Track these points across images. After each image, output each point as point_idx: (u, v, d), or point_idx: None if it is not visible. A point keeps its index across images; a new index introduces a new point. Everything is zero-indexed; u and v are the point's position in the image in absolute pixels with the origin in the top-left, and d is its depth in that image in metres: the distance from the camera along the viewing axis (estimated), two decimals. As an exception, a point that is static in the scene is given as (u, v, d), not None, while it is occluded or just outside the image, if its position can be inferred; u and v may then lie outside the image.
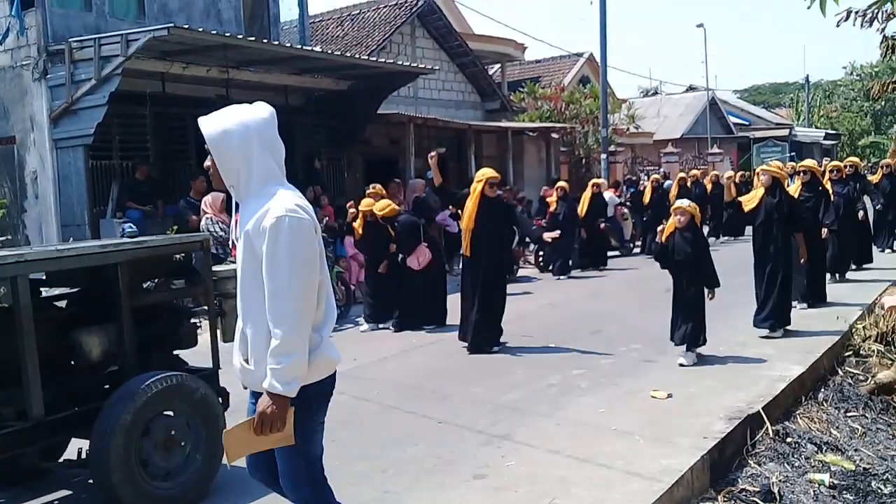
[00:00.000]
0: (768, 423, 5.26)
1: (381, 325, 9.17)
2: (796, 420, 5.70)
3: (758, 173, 8.16)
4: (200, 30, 10.54)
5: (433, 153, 7.94)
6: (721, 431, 4.91)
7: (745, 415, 5.21)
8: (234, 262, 8.56)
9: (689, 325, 6.65)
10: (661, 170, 23.33)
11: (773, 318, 7.56)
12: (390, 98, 15.07)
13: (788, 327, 7.69)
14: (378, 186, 10.07)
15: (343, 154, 14.89)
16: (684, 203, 6.82)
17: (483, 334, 7.66)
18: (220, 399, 4.49)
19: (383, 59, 14.79)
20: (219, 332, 4.67)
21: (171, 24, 9.85)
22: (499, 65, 23.87)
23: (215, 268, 4.80)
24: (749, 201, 7.79)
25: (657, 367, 6.68)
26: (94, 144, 10.26)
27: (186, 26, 10.38)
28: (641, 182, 18.22)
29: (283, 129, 11.47)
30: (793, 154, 31.51)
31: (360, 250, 9.83)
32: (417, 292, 9.06)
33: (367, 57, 14.51)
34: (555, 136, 20.79)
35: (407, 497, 4.22)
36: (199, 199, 10.06)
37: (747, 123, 38.92)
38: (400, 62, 14.96)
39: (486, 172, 7.68)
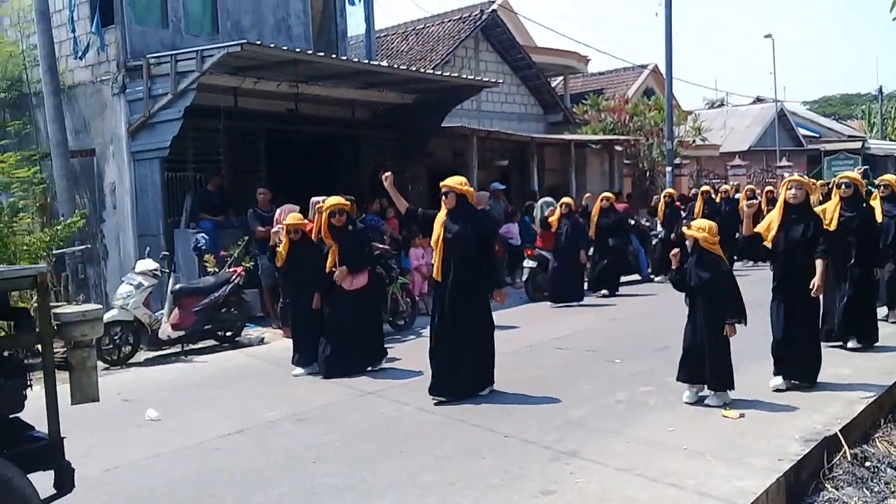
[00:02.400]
0: (846, 446, 5.10)
1: (308, 371, 7.67)
2: (875, 443, 5.51)
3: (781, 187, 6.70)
4: (272, 45, 10.81)
5: (387, 174, 6.92)
6: (797, 454, 4.78)
7: (822, 437, 5.06)
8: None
9: (712, 364, 5.82)
10: (731, 182, 22.83)
11: (790, 367, 6.33)
12: (454, 111, 15.19)
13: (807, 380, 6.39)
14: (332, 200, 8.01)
15: (407, 167, 15.04)
16: (699, 224, 6.05)
17: (476, 373, 6.53)
18: (61, 478, 3.62)
19: (447, 73, 14.91)
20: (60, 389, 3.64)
21: (245, 41, 10.12)
22: (561, 77, 23.86)
23: (61, 310, 3.81)
24: (768, 229, 6.43)
25: (727, 385, 6.53)
26: (170, 157, 10.58)
27: (259, 42, 10.66)
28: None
29: (350, 141, 11.73)
30: (866, 167, 30.51)
31: (286, 278, 8.18)
32: (348, 325, 7.48)
33: (431, 70, 14.64)
34: (618, 148, 20.61)
35: (475, 510, 4.23)
36: (266, 210, 10.34)
37: (817, 136, 37.84)
38: (464, 76, 15.07)
39: (446, 181, 6.52)
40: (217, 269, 9.60)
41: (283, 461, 5.19)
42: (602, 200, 12.86)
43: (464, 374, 6.46)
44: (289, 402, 6.71)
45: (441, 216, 6.50)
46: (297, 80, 11.97)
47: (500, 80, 17.00)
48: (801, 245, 6.26)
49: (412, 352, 8.55)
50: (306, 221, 8.03)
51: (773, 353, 6.40)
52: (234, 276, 9.43)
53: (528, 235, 13.58)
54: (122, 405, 6.91)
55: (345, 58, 12.69)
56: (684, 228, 6.29)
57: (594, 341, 8.85)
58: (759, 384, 6.34)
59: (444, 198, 6.47)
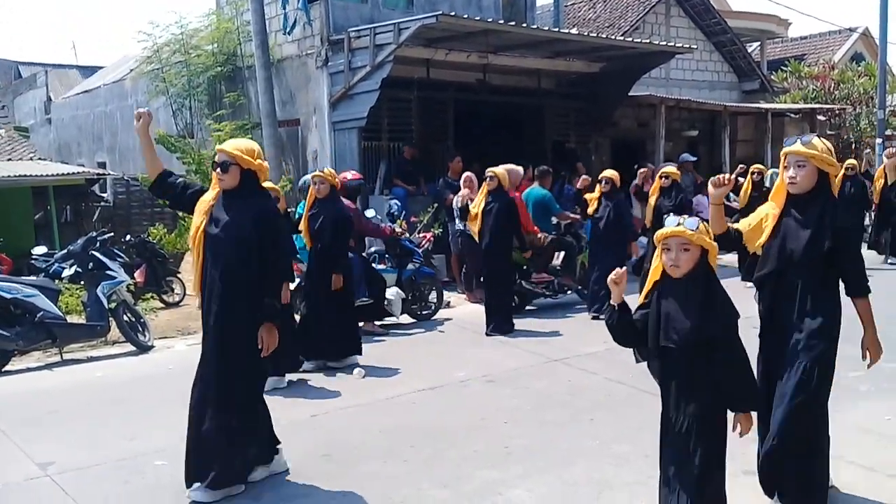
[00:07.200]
0: None
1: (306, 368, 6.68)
2: None
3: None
4: (465, 16, 11.00)
5: (140, 109, 4.35)
6: None
7: None
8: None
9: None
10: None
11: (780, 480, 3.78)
12: (641, 80, 14.75)
13: None
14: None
15: (591, 137, 14.82)
16: (680, 222, 3.10)
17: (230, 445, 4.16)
18: None
19: (637, 40, 14.47)
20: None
21: (440, 12, 10.37)
22: (758, 42, 22.48)
23: None
24: (756, 230, 3.79)
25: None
26: (366, 126, 11.11)
27: (453, 14, 10.87)
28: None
29: (535, 111, 11.73)
30: None
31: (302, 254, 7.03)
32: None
33: (621, 38, 14.27)
34: (821, 118, 19.11)
35: (672, 483, 4.18)
36: (457, 178, 10.59)
37: None
38: (654, 42, 14.55)
39: (223, 145, 4.25)
40: (408, 235, 9.96)
41: (475, 420, 5.38)
42: (662, 178, 9.31)
43: (215, 442, 4.09)
44: (477, 363, 6.92)
45: (207, 199, 4.22)
46: (487, 50, 12.11)
47: (694, 46, 16.23)
48: (806, 264, 3.57)
49: (597, 324, 8.52)
50: (339, 177, 6.97)
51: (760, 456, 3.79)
52: (423, 242, 9.78)
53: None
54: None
55: (535, 27, 12.64)
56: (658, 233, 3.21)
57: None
58: None
59: (218, 170, 4.15)
